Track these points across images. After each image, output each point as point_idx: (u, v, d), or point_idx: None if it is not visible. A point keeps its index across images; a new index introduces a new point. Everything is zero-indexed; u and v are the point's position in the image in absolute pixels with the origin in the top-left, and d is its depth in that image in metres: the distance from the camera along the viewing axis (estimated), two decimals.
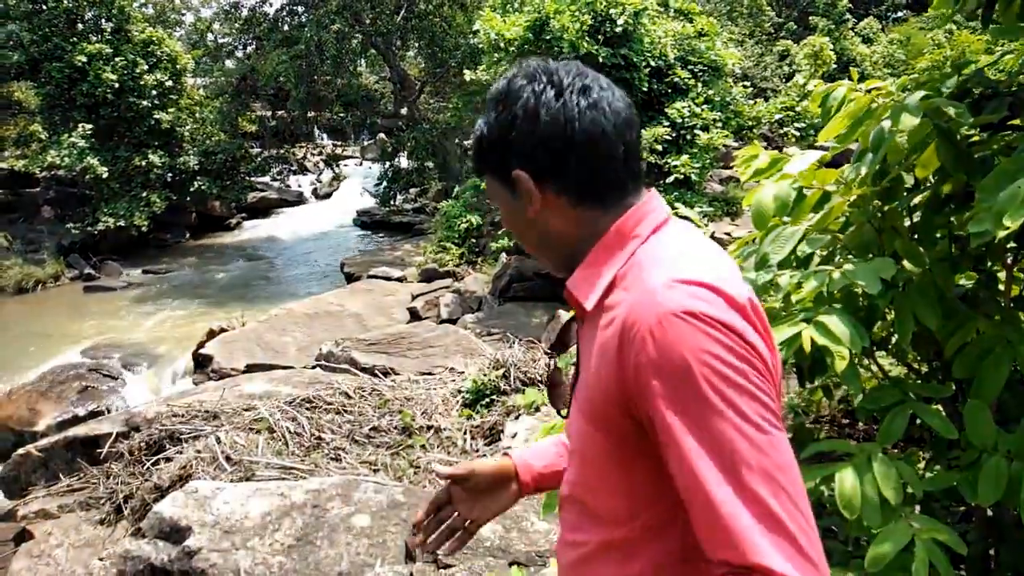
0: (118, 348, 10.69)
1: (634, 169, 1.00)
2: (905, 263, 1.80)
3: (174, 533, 3.32)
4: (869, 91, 1.76)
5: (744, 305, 0.85)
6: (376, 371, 6.87)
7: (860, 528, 1.51)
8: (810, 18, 27.22)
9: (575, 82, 0.99)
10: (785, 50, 24.54)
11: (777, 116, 10.66)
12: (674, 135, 9.77)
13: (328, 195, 25.21)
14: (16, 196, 17.93)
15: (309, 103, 17.00)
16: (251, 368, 8.80)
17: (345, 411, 4.79)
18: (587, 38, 8.99)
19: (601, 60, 9.16)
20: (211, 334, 9.85)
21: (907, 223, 1.93)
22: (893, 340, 2.14)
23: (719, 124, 10.04)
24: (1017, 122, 1.73)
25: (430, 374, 6.17)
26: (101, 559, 3.89)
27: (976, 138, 1.76)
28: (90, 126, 15.58)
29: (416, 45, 17.59)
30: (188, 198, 18.33)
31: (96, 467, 4.65)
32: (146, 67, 16.65)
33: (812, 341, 1.54)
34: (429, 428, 4.60)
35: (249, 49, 18.51)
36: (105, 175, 15.69)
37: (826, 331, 1.55)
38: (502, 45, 9.54)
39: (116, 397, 9.14)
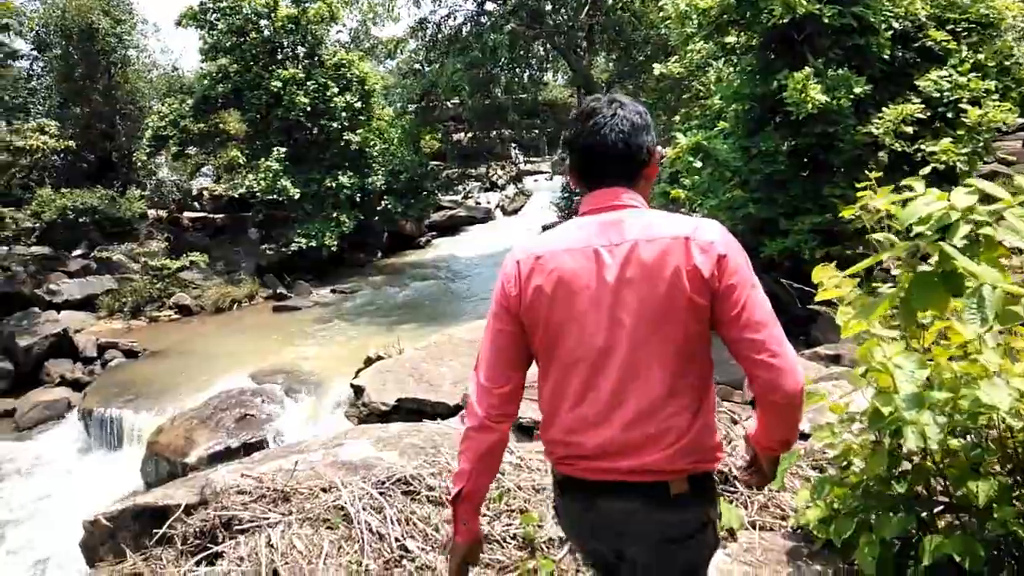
0: (286, 372, 10.34)
1: (588, 171, 1.60)
2: None
3: None
4: None
5: (515, 260, 1.58)
6: (521, 424, 5.46)
7: None
8: None
9: (586, 106, 1.60)
10: None
11: None
12: (929, 114, 7.39)
13: (516, 211, 24.60)
14: (232, 220, 19.13)
15: (488, 113, 16.22)
16: (401, 403, 7.85)
17: None
18: None
19: (826, 22, 7.10)
20: (368, 362, 9.08)
21: None
22: None
23: (995, 96, 7.47)
24: None
25: None
26: None
27: None
28: (284, 149, 15.98)
29: (603, 41, 16.11)
30: (376, 218, 18.37)
31: (143, 552, 3.68)
32: (336, 90, 16.88)
33: None
34: (563, 542, 3.06)
35: (435, 65, 18.22)
36: (297, 196, 16.01)
37: None
38: (694, 17, 7.79)
39: (272, 427, 8.63)
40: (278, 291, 15.68)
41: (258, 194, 15.93)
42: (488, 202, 24.69)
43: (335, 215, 16.75)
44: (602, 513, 1.56)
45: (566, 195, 17.19)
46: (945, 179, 7.35)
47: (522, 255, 1.56)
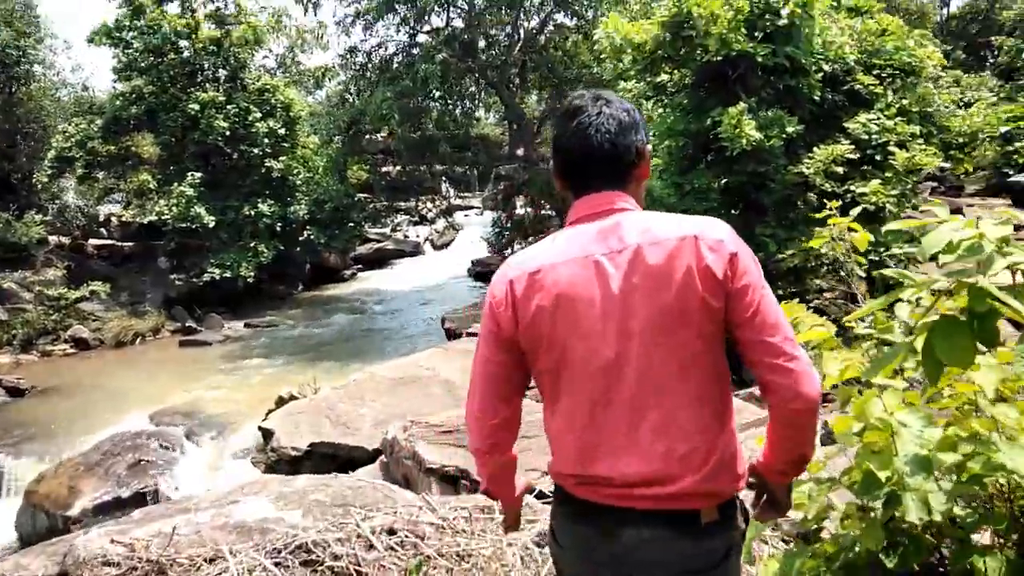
0: (189, 413, 9.49)
1: (572, 174, 1.50)
2: None
3: None
4: None
5: (507, 280, 1.46)
6: (446, 473, 4.98)
7: None
8: None
9: (570, 104, 1.49)
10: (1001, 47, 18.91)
11: (1003, 129, 8.02)
12: (858, 155, 7.44)
13: (446, 245, 24.18)
14: (142, 248, 17.89)
15: (418, 145, 15.86)
16: (314, 447, 7.23)
17: (358, 575, 2.89)
18: (742, 31, 6.93)
19: (760, 61, 7.07)
20: (280, 402, 8.41)
21: None
22: None
23: (919, 141, 7.61)
24: None
25: None
26: None
27: None
28: (199, 175, 15.14)
29: (535, 78, 16.08)
30: (298, 248, 17.61)
31: None
32: (259, 115, 16.20)
33: None
34: None
35: (365, 95, 17.77)
36: (212, 224, 15.13)
37: None
38: (629, 51, 7.67)
39: (168, 475, 7.80)
40: (187, 324, 14.68)
41: (170, 221, 14.98)
42: (417, 236, 24.21)
43: (253, 244, 15.92)
44: (622, 542, 1.43)
45: (497, 230, 16.92)
46: (874, 220, 7.38)
47: (515, 273, 1.46)
